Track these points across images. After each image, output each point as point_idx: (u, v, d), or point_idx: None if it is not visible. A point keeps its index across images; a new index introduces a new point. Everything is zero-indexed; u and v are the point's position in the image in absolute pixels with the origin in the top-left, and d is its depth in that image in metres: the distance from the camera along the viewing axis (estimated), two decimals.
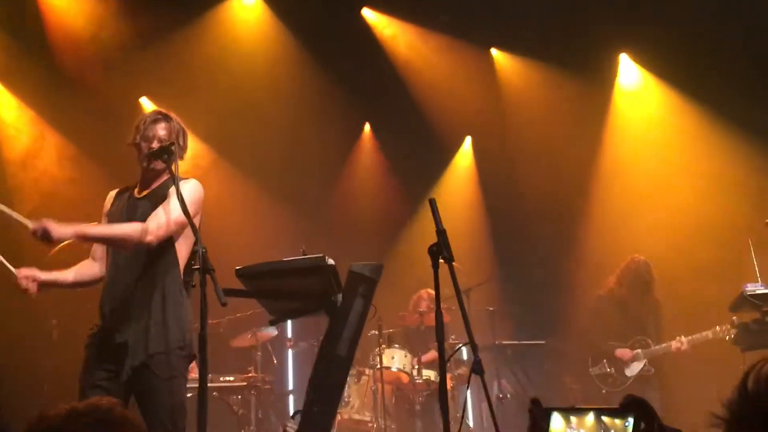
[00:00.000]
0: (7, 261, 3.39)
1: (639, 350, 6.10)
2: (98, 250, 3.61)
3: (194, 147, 7.81)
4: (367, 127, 8.94)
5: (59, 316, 6.27)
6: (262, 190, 7.83)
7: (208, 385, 5.48)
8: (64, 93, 7.21)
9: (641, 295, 6.26)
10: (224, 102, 7.63)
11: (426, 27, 8.10)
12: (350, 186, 8.76)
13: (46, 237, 3.15)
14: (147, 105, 7.79)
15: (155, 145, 3.47)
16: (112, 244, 3.36)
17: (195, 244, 3.24)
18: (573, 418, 1.25)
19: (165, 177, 3.52)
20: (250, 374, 6.45)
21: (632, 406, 1.29)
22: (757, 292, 4.97)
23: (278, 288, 3.60)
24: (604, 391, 6.12)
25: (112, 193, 3.65)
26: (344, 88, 7.97)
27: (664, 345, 6.01)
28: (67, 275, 3.54)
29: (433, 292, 6.96)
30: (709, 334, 5.76)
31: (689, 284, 6.73)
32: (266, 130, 7.81)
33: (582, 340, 6.49)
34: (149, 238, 3.28)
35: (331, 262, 3.46)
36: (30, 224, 3.22)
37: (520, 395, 6.82)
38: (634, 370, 6.09)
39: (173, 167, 3.33)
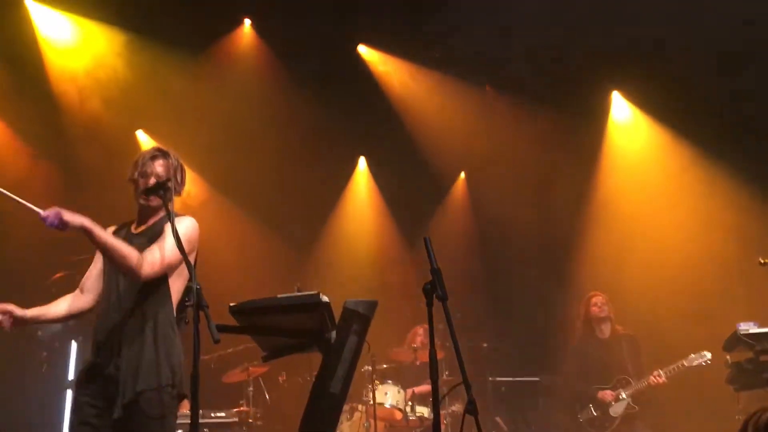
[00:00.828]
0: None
1: (620, 390, 6.14)
2: (88, 281, 3.59)
3: (189, 181, 7.86)
4: (362, 161, 8.99)
5: (49, 350, 6.22)
6: (257, 226, 7.84)
7: (199, 420, 5.41)
8: (60, 125, 7.25)
9: (605, 333, 6.37)
10: (219, 137, 7.68)
11: (420, 64, 8.21)
12: (345, 221, 8.78)
13: (58, 220, 3.14)
14: (143, 138, 7.84)
15: (152, 181, 3.48)
16: (111, 255, 3.28)
17: (189, 280, 3.24)
18: None
19: (162, 213, 3.52)
20: (241, 409, 6.38)
21: None
22: (750, 331, 4.96)
23: (272, 325, 3.58)
24: None
25: (110, 229, 3.65)
26: (340, 123, 8.04)
27: (642, 381, 6.04)
28: (48, 310, 3.50)
29: (425, 327, 7.03)
30: (684, 362, 5.82)
31: (677, 322, 6.75)
32: (261, 166, 7.85)
33: (567, 384, 6.55)
34: (143, 270, 3.27)
35: (325, 299, 3.46)
36: (41, 211, 3.21)
37: None
38: (617, 410, 6.12)
39: (169, 204, 3.34)
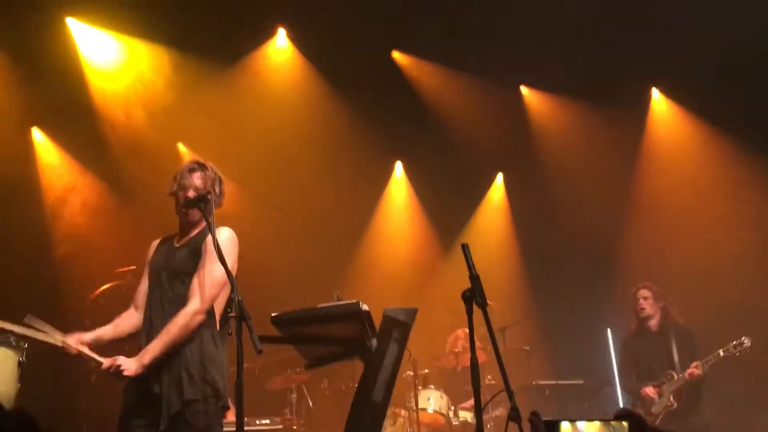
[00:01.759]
0: (50, 330, 3.43)
1: (665, 386, 5.94)
2: (140, 297, 3.68)
3: (231, 191, 7.97)
4: (398, 166, 9.00)
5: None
6: (296, 234, 7.90)
7: (244, 429, 5.47)
8: (102, 140, 7.43)
9: (654, 327, 6.11)
10: (256, 146, 7.77)
11: (454, 68, 8.19)
12: (382, 226, 8.80)
13: (118, 374, 3.28)
14: (184, 150, 7.98)
15: (191, 194, 3.55)
16: (178, 342, 3.37)
17: (231, 292, 3.29)
18: (580, 424, 1.35)
19: (202, 225, 3.60)
20: (285, 417, 6.44)
21: (624, 416, 1.44)
22: None
23: (313, 334, 3.62)
24: None
25: (155, 243, 3.74)
26: (376, 129, 8.06)
27: (681, 375, 5.85)
28: (106, 331, 3.60)
29: (465, 332, 7.01)
30: (720, 352, 5.64)
31: (723, 316, 6.61)
32: (300, 173, 7.92)
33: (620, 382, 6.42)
34: (202, 309, 3.38)
35: (365, 307, 3.48)
36: (103, 361, 3.35)
37: None
38: (658, 408, 5.91)
39: (209, 216, 3.40)
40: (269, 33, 7.87)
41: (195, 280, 3.43)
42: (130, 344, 3.69)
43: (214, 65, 7.62)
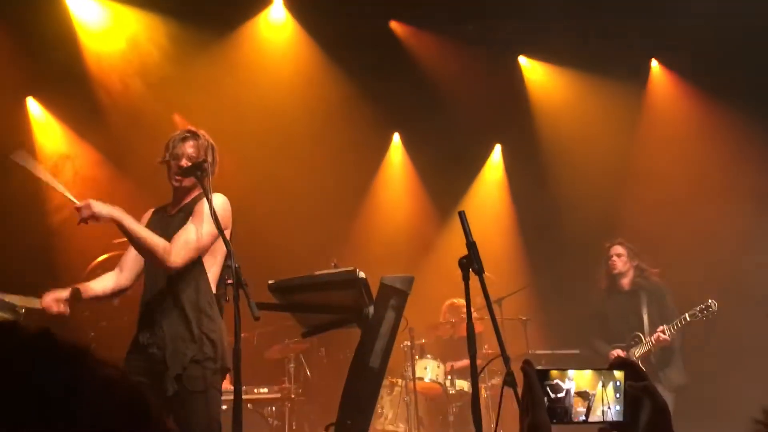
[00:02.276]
0: (32, 297, 3.46)
1: (633, 349, 5.61)
2: (126, 260, 3.70)
3: (228, 161, 7.95)
4: (396, 137, 8.97)
5: (96, 330, 6.39)
6: (293, 203, 7.90)
7: (243, 397, 5.53)
8: (97, 110, 7.39)
9: (626, 286, 5.78)
10: (252, 116, 7.73)
11: (453, 37, 8.12)
12: (381, 196, 8.80)
13: (89, 213, 3.25)
14: (179, 120, 7.93)
15: (184, 162, 3.55)
16: (139, 246, 3.40)
17: (227, 258, 3.30)
18: (570, 372, 1.33)
19: (195, 192, 3.59)
20: (284, 385, 6.49)
21: (620, 365, 1.41)
22: None
23: (310, 301, 3.63)
24: None
25: (149, 212, 3.74)
26: (373, 100, 8.01)
27: (648, 339, 5.52)
28: (90, 287, 3.59)
29: (456, 302, 7.07)
30: (686, 316, 5.37)
31: (722, 297, 6.64)
32: (296, 142, 7.89)
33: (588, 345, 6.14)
34: (171, 261, 3.34)
35: (362, 275, 3.48)
36: (76, 201, 3.34)
37: None
38: None
39: (206, 183, 3.39)
40: (266, 1, 7.79)
41: (180, 233, 3.42)
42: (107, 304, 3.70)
43: (211, 35, 7.55)
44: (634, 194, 7.88)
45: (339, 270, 3.58)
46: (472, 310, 3.06)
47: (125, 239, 3.53)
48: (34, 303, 3.45)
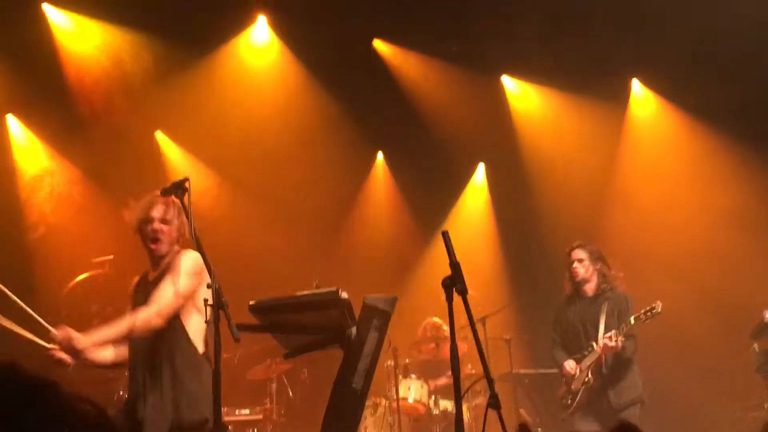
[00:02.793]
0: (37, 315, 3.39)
1: (584, 359, 5.22)
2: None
3: (210, 179, 7.91)
4: (380, 156, 8.97)
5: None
6: (276, 222, 7.85)
7: (224, 419, 5.45)
8: (78, 127, 7.33)
9: (588, 292, 5.33)
10: (237, 134, 7.71)
11: (437, 57, 8.16)
12: (364, 215, 8.77)
13: (70, 349, 3.22)
14: (162, 138, 7.90)
15: (157, 226, 3.49)
16: (126, 338, 3.42)
17: (210, 278, 3.25)
18: None
19: (170, 255, 3.55)
20: (266, 407, 6.41)
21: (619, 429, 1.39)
22: None
23: (292, 322, 3.59)
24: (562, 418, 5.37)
25: (135, 279, 3.73)
26: (357, 118, 8.02)
27: (593, 348, 5.13)
28: (96, 354, 3.45)
29: (436, 321, 7.05)
30: (632, 319, 4.98)
31: (702, 311, 6.67)
32: (279, 161, 7.86)
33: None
34: (153, 323, 3.35)
35: (344, 295, 3.45)
36: (53, 330, 3.28)
37: (539, 425, 6.72)
38: (578, 383, 5.21)
39: (186, 201, 3.34)
40: (249, 20, 7.79)
41: (156, 293, 3.42)
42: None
43: (194, 52, 7.53)
44: (616, 212, 7.93)
45: (321, 290, 3.54)
46: (456, 328, 3.04)
47: (106, 257, 3.49)
48: (37, 337, 3.33)
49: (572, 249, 5.41)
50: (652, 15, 6.99)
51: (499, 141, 8.47)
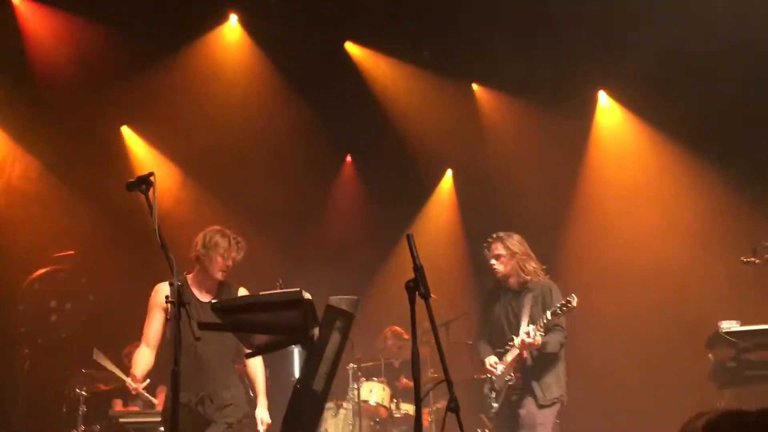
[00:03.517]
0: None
1: (506, 355, 4.90)
2: (154, 336, 4.24)
3: (174, 176, 7.83)
4: (348, 159, 8.97)
5: (32, 347, 6.17)
6: (240, 221, 7.79)
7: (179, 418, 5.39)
8: (43, 120, 7.19)
9: (513, 285, 4.99)
10: (204, 133, 7.64)
11: (408, 62, 8.20)
12: (330, 218, 8.76)
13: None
14: (128, 133, 7.80)
15: (230, 262, 4.35)
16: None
17: (172, 276, 3.21)
18: None
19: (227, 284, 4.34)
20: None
21: None
22: (732, 329, 5.00)
23: (254, 322, 3.56)
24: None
25: (168, 287, 3.78)
26: (327, 120, 8.02)
27: (512, 344, 4.82)
28: (143, 374, 4.20)
29: (397, 329, 7.09)
30: (548, 314, 4.69)
31: (658, 320, 6.80)
32: (247, 161, 7.82)
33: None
34: None
35: (307, 296, 3.44)
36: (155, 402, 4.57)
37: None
38: (500, 382, 4.89)
39: (151, 196, 3.30)
40: (221, 18, 7.73)
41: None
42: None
43: (164, 48, 7.45)
44: (579, 222, 8.04)
45: (284, 291, 3.53)
46: (420, 333, 3.06)
47: (67, 253, 3.47)
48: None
49: (489, 244, 5.08)
50: (621, 28, 7.10)
51: (467, 148, 8.53)
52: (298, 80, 7.84)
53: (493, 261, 5.03)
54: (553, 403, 4.77)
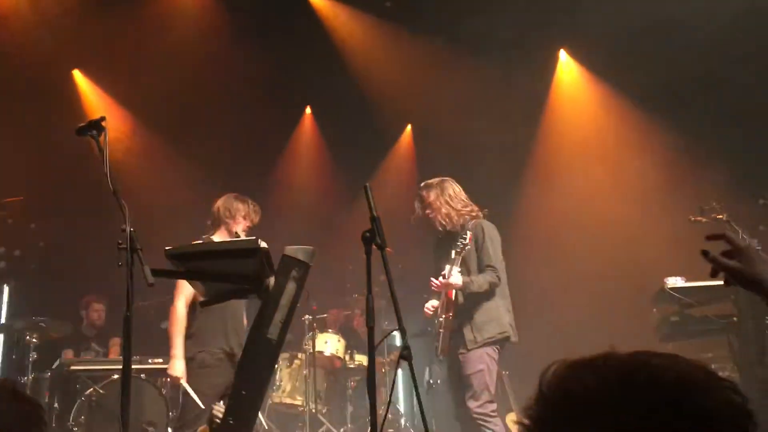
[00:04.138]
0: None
1: (431, 301, 4.82)
2: (190, 297, 4.63)
3: (127, 122, 7.64)
4: (308, 110, 8.87)
5: None
6: (198, 171, 7.68)
7: (136, 367, 5.38)
8: None
9: (445, 230, 4.82)
10: (159, 80, 7.44)
11: (371, 13, 8.07)
12: (289, 170, 8.69)
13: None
14: (80, 78, 7.56)
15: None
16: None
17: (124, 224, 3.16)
18: None
19: None
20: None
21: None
22: (678, 285, 5.16)
23: (209, 270, 3.53)
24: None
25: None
26: (285, 71, 7.88)
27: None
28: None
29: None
30: (452, 253, 4.57)
31: (607, 276, 6.96)
32: (204, 111, 7.66)
33: None
34: None
35: (263, 245, 3.42)
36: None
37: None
38: (437, 326, 4.76)
39: (102, 142, 3.22)
40: None
41: None
42: None
43: None
44: (534, 179, 8.13)
45: (240, 239, 3.51)
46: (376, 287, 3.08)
47: (14, 198, 3.34)
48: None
49: (418, 195, 4.97)
50: None
51: (428, 103, 8.49)
52: (257, 28, 7.66)
53: (428, 211, 4.88)
54: (486, 344, 4.60)
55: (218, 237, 4.72)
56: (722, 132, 6.92)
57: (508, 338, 4.69)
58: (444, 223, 4.80)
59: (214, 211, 4.84)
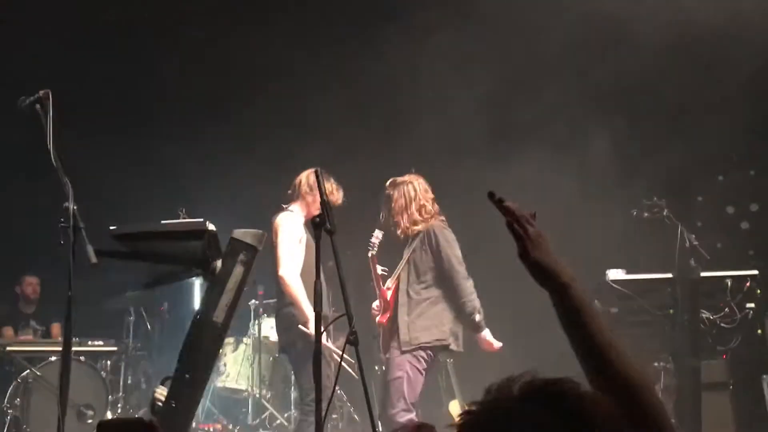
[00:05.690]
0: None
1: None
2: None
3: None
4: None
5: None
6: (144, 151, 7.48)
7: (75, 349, 5.26)
8: None
9: (403, 236, 4.76)
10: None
11: None
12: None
13: None
14: None
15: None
16: None
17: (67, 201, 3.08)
18: None
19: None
20: (121, 339, 6.25)
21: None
22: (619, 278, 5.30)
23: (156, 251, 3.48)
24: None
25: None
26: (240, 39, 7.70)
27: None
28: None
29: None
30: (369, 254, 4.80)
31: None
32: (146, 81, 7.40)
33: None
34: None
35: (211, 227, 3.39)
36: None
37: None
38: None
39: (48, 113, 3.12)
40: None
41: None
42: None
43: None
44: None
45: (187, 220, 3.46)
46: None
47: None
48: None
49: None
50: None
51: None
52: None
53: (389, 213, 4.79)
54: (419, 348, 4.50)
55: (294, 207, 4.74)
56: (662, 129, 7.07)
57: (446, 347, 4.57)
58: (406, 228, 4.68)
59: (296, 183, 4.76)
